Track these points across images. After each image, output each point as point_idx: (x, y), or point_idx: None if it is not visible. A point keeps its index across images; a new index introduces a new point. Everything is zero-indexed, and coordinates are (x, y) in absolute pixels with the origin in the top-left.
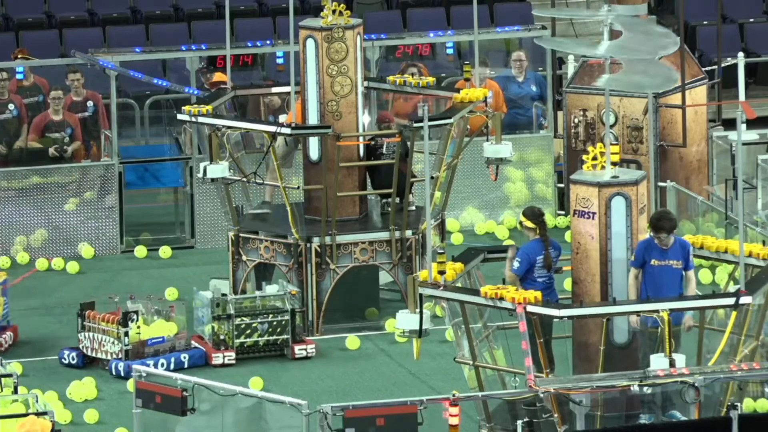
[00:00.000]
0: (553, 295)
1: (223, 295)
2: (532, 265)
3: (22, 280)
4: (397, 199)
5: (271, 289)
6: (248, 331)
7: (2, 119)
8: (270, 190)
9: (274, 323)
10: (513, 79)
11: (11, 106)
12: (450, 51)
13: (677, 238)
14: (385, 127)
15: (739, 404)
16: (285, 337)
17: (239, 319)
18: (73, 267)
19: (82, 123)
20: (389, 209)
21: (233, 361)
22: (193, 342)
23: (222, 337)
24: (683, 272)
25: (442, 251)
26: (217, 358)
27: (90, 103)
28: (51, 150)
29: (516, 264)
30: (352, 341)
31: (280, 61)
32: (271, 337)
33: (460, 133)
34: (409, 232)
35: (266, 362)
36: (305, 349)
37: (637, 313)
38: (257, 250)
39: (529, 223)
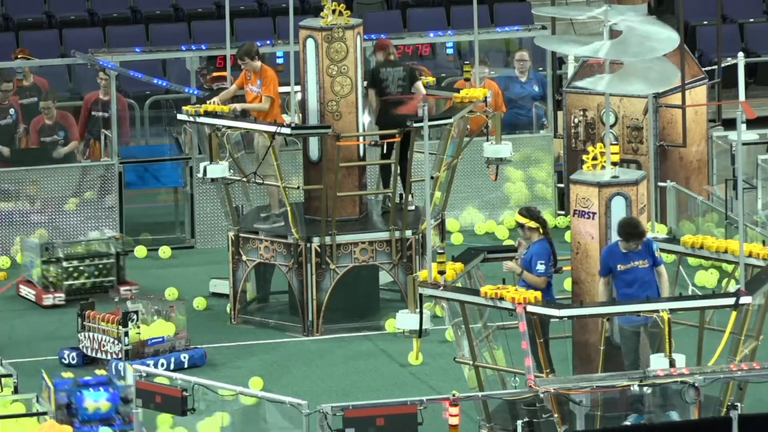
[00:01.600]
0: (551, 293)
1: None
2: None
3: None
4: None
5: (94, 234)
6: (75, 274)
7: (3, 124)
8: (275, 201)
9: (101, 266)
10: (515, 79)
11: (12, 111)
12: (450, 51)
13: None
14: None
15: (739, 404)
16: (111, 279)
17: (67, 263)
18: None
19: (101, 122)
20: (389, 205)
21: (63, 302)
22: (21, 287)
23: (51, 279)
24: (654, 269)
25: (442, 251)
26: (48, 299)
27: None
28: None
29: (542, 267)
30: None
31: (280, 61)
32: (97, 279)
33: (460, 133)
34: (409, 232)
35: (266, 362)
36: (129, 290)
37: (637, 312)
38: (257, 250)
39: (532, 224)
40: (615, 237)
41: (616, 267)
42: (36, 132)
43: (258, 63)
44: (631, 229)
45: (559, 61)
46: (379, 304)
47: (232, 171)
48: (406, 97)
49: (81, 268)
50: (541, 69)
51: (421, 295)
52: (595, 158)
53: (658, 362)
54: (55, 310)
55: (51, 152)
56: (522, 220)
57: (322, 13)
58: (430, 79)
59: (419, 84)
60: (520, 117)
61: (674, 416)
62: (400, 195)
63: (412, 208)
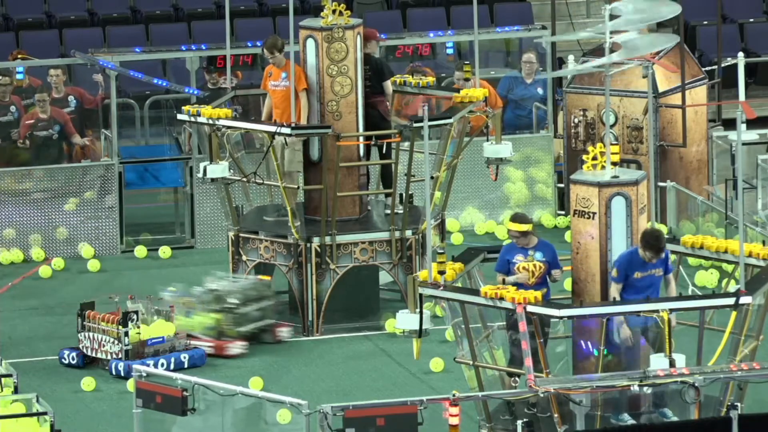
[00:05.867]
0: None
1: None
2: None
3: (22, 280)
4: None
5: (251, 277)
6: (243, 321)
7: (4, 121)
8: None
9: (263, 308)
10: (520, 80)
11: (12, 108)
12: (450, 51)
13: None
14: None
15: (739, 404)
16: (271, 321)
17: (240, 310)
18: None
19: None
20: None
21: (246, 351)
22: (192, 342)
23: (224, 329)
24: (663, 277)
25: (442, 251)
26: (235, 349)
27: (71, 98)
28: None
29: (561, 269)
30: (436, 363)
31: None
32: (261, 323)
33: (460, 133)
34: (409, 232)
35: (266, 362)
36: (284, 331)
37: (637, 313)
38: (257, 250)
39: (531, 227)
40: (615, 237)
41: (633, 274)
42: (28, 126)
43: (282, 56)
44: (652, 240)
45: (559, 60)
46: (379, 304)
47: (232, 171)
48: (376, 99)
49: (249, 314)
50: (541, 69)
51: (421, 295)
52: (595, 158)
53: (658, 362)
54: (55, 309)
55: (47, 149)
56: (525, 227)
57: (322, 13)
58: (431, 79)
59: (387, 83)
60: (521, 118)
61: (669, 414)
62: (400, 195)
63: (399, 210)
